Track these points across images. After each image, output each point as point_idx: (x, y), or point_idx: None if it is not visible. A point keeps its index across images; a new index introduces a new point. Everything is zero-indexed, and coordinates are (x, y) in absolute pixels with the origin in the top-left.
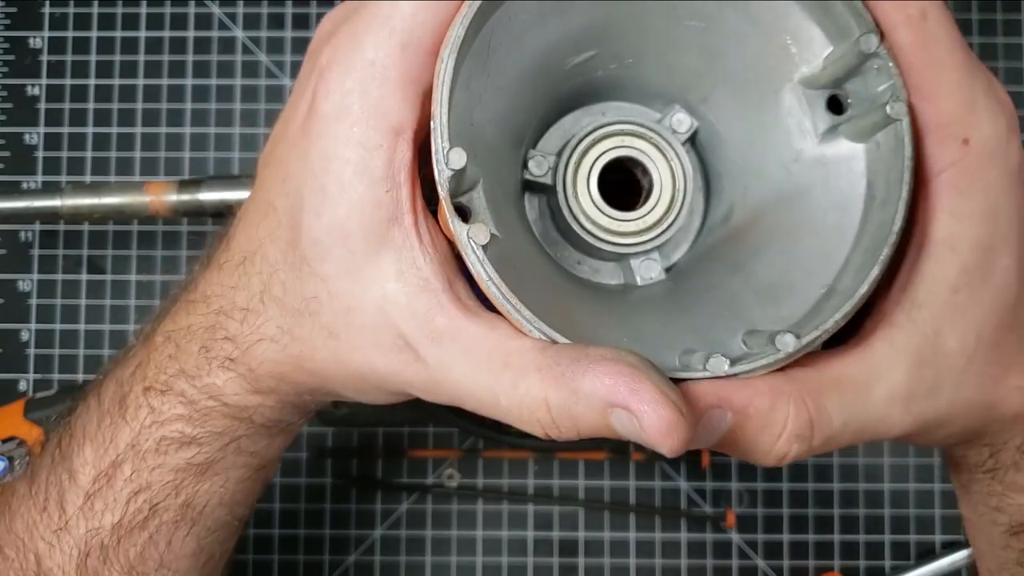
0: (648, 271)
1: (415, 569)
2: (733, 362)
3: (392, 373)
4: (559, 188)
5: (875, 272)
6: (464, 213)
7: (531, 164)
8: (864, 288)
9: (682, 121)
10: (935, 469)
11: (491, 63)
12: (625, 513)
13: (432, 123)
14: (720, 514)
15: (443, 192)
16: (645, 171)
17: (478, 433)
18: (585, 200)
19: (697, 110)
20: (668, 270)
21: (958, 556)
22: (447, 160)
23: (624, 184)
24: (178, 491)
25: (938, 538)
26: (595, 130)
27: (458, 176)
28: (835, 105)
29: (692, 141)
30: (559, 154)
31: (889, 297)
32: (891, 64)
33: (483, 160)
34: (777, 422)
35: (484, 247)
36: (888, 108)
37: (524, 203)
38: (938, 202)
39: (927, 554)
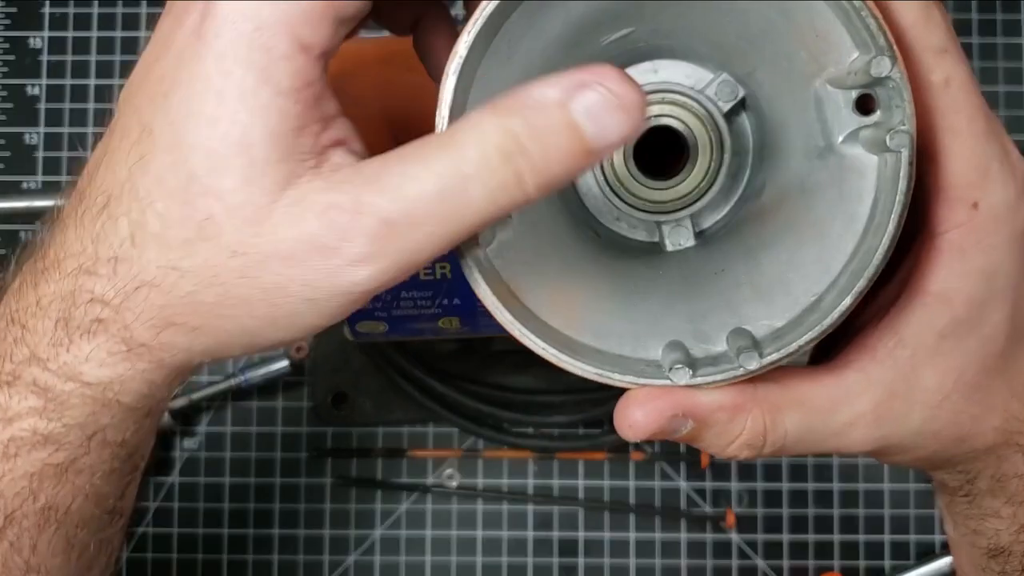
0: (678, 238)
1: (415, 569)
2: (696, 372)
3: (323, 268)
4: None
5: (846, 302)
6: None
7: None
8: (833, 316)
9: (728, 88)
10: None
11: (512, 48)
12: (625, 513)
13: (436, 117)
14: (720, 514)
15: None
16: (684, 140)
17: (478, 433)
18: (619, 164)
19: (744, 81)
20: (699, 235)
21: None
22: None
23: (669, 146)
24: (35, 496)
25: (938, 538)
26: None
27: None
28: (864, 107)
29: (742, 107)
30: None
31: (872, 327)
32: (905, 90)
33: None
34: (733, 432)
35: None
36: (888, 139)
37: None
38: (939, 258)
39: (927, 554)
